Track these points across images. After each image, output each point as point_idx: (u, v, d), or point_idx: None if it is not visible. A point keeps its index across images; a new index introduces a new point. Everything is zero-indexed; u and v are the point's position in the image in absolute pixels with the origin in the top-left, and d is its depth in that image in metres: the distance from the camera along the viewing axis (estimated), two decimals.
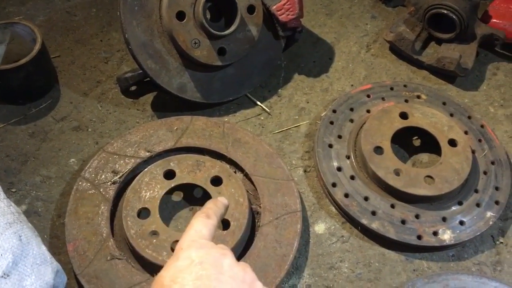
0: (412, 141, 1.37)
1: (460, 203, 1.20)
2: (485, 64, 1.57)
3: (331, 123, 1.33)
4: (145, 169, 1.17)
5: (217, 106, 1.41)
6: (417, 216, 1.17)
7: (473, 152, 1.27)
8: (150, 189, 1.13)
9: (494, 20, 1.54)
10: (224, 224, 1.11)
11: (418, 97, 1.40)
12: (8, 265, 0.85)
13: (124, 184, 1.18)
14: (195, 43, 1.27)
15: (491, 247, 1.19)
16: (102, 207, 1.13)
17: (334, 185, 1.22)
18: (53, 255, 0.99)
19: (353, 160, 1.26)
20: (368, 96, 1.39)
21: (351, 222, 1.21)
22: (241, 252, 1.11)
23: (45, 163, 1.28)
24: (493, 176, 1.25)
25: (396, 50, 1.56)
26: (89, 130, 1.35)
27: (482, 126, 1.34)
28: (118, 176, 1.18)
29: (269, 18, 1.38)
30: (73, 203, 1.13)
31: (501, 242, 1.20)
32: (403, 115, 1.31)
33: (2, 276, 0.83)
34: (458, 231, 1.16)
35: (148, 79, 1.31)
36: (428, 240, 1.15)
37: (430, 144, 1.30)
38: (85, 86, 1.44)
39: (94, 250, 1.07)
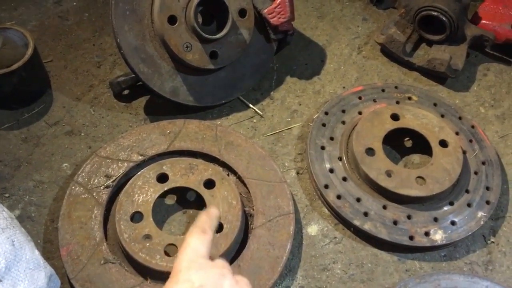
0: (404, 142, 1.38)
1: (451, 204, 1.21)
2: (475, 65, 1.58)
3: (323, 125, 1.34)
4: (138, 173, 1.17)
5: (210, 109, 1.42)
6: (409, 217, 1.18)
7: (464, 152, 1.29)
8: (143, 192, 1.14)
9: (484, 22, 1.55)
10: (218, 226, 1.11)
11: (409, 98, 1.41)
12: (1, 270, 0.84)
13: (117, 188, 1.19)
14: (187, 47, 1.27)
15: (482, 247, 1.20)
16: (95, 211, 1.13)
17: (326, 186, 1.23)
18: (47, 259, 0.99)
19: (345, 162, 1.27)
20: (360, 98, 1.40)
21: (344, 224, 1.21)
22: (234, 254, 1.12)
23: (38, 168, 1.28)
24: (484, 176, 1.26)
25: (387, 52, 1.57)
26: (82, 134, 1.35)
27: (472, 127, 1.36)
28: (111, 180, 1.18)
29: (261, 22, 1.39)
30: (66, 208, 1.13)
31: (492, 242, 1.21)
32: (395, 117, 1.32)
33: None
34: (449, 231, 1.17)
35: (141, 83, 1.31)
36: (420, 241, 1.15)
37: (422, 145, 1.31)
38: (77, 90, 1.45)
39: (88, 255, 1.07)
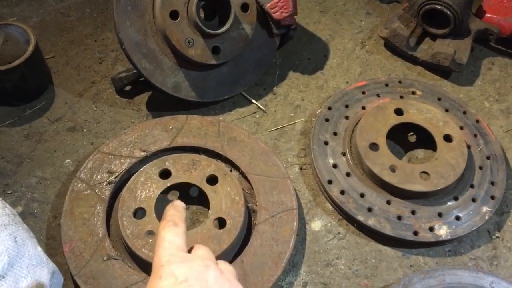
0: (408, 137, 1.37)
1: (456, 199, 1.20)
2: (480, 59, 1.57)
3: (327, 120, 1.33)
4: (141, 169, 1.17)
5: (212, 104, 1.41)
6: (413, 212, 1.17)
7: (468, 147, 1.28)
8: (146, 188, 1.13)
9: (488, 15, 1.54)
10: (221, 222, 1.11)
11: (413, 93, 1.40)
12: (3, 266, 0.84)
13: (119, 184, 1.18)
14: (189, 42, 1.26)
15: (487, 242, 1.19)
16: (98, 208, 1.13)
17: (330, 182, 1.22)
18: (49, 256, 0.99)
19: (349, 157, 1.26)
20: (363, 92, 1.39)
21: (347, 219, 1.21)
22: (237, 250, 1.11)
23: (40, 164, 1.28)
24: (488, 171, 1.25)
25: (390, 46, 1.56)
26: (84, 130, 1.35)
27: (477, 121, 1.35)
28: (114, 176, 1.17)
29: (263, 16, 1.38)
30: (69, 204, 1.13)
31: (497, 237, 1.20)
32: (398, 111, 1.31)
33: None
34: (454, 226, 1.16)
35: (143, 79, 1.30)
36: (424, 236, 1.15)
37: (426, 140, 1.30)
38: (79, 86, 1.44)
39: (90, 251, 1.06)
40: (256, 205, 1.16)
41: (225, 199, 1.13)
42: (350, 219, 1.20)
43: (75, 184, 1.16)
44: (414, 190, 1.17)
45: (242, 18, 1.32)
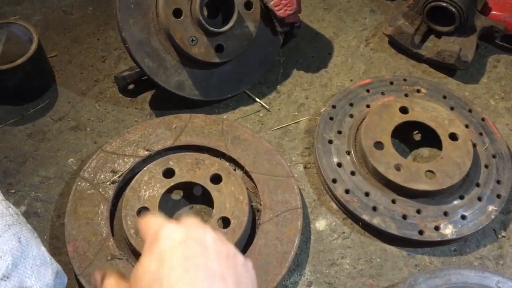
0: (413, 136, 1.36)
1: (461, 197, 1.20)
2: (485, 56, 1.56)
3: (331, 118, 1.32)
4: (144, 168, 1.16)
5: (216, 103, 1.40)
6: (418, 211, 1.17)
7: (474, 145, 1.27)
8: (150, 188, 1.13)
9: (494, 12, 1.52)
10: (225, 222, 1.10)
11: (418, 91, 1.39)
12: (8, 267, 0.84)
13: (123, 184, 1.18)
14: (192, 40, 1.26)
15: (493, 241, 1.19)
16: (102, 207, 1.12)
17: (334, 181, 1.21)
18: (53, 256, 0.98)
19: (353, 156, 1.25)
20: (368, 91, 1.38)
21: (352, 218, 1.20)
22: (242, 249, 1.11)
23: (43, 163, 1.27)
24: (494, 169, 1.25)
25: (395, 44, 1.55)
26: (88, 129, 1.34)
27: (483, 119, 1.34)
28: (117, 175, 1.17)
29: (267, 14, 1.37)
30: (73, 204, 1.13)
31: (503, 236, 1.19)
32: (403, 110, 1.30)
33: (1, 279, 0.83)
34: (459, 226, 1.15)
35: (146, 77, 1.30)
36: (430, 235, 1.14)
37: (431, 139, 1.29)
38: (82, 85, 1.44)
39: (94, 250, 1.06)
40: (260, 204, 1.16)
41: (229, 198, 1.12)
42: (355, 218, 1.19)
43: (79, 183, 1.16)
44: (420, 189, 1.17)
45: (245, 16, 1.31)
